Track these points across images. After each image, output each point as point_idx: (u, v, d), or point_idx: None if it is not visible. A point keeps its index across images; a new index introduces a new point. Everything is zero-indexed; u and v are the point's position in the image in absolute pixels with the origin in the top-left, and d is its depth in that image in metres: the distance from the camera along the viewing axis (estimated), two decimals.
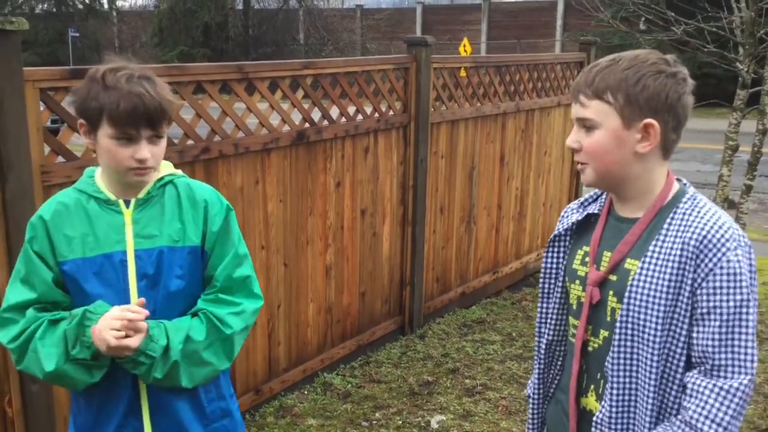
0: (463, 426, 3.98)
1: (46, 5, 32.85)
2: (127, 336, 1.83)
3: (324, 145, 4.21)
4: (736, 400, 1.57)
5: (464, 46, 18.10)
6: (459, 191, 5.44)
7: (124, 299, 1.93)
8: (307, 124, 4.10)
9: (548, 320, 1.93)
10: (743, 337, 1.57)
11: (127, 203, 1.97)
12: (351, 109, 4.44)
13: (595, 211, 1.83)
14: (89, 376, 1.91)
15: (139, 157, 1.87)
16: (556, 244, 1.90)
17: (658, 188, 1.71)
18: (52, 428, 3.00)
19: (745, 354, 1.57)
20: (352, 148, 4.43)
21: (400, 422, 4.00)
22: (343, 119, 4.35)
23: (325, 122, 4.21)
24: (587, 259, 1.79)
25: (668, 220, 1.67)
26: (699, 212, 1.65)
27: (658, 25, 5.95)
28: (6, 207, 2.74)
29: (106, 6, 33.77)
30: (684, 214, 1.66)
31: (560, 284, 1.89)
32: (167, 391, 1.98)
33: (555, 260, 1.91)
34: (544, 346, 1.94)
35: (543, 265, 1.94)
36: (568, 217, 1.91)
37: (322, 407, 4.14)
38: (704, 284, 1.59)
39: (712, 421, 1.56)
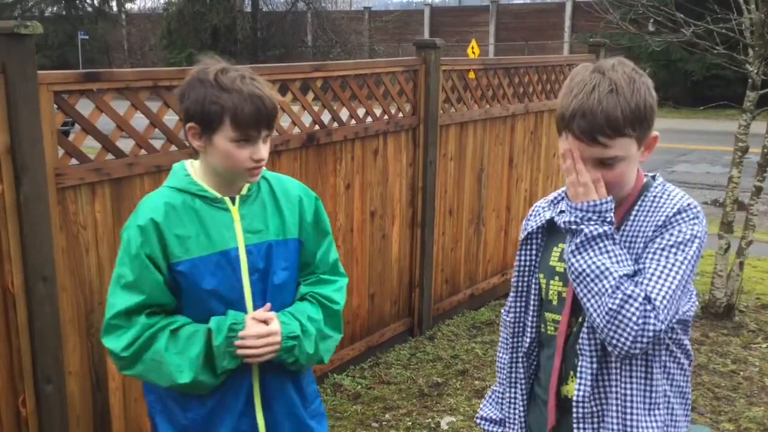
0: (472, 427, 3.99)
1: (55, 8, 33.06)
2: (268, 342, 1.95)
3: (334, 147, 4.23)
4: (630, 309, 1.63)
5: (472, 47, 18.10)
6: (468, 193, 5.45)
7: (239, 294, 1.99)
8: (317, 127, 4.12)
9: (528, 319, 1.93)
10: (674, 275, 1.64)
11: (231, 200, 2.01)
12: (360, 112, 4.46)
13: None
14: (217, 381, 1.97)
15: (257, 157, 1.92)
16: (530, 241, 1.92)
17: (632, 184, 1.78)
18: (65, 428, 3.02)
19: (667, 293, 1.63)
20: (362, 150, 4.45)
21: (410, 423, 4.01)
22: (353, 121, 4.37)
23: (335, 124, 4.23)
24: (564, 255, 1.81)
25: (636, 206, 1.75)
26: (669, 195, 1.74)
27: (667, 27, 5.94)
28: (21, 209, 2.76)
29: (115, 9, 33.95)
30: (654, 197, 1.75)
31: (535, 281, 1.91)
32: (278, 378, 2.06)
33: (529, 257, 1.93)
34: (526, 347, 1.94)
35: (517, 263, 1.95)
36: (539, 214, 1.92)
37: (332, 408, 4.16)
38: (663, 230, 1.68)
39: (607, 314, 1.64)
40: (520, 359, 1.96)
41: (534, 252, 1.91)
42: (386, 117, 4.63)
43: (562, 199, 1.88)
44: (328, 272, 2.16)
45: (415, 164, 4.91)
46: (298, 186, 2.16)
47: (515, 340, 1.97)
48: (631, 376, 1.74)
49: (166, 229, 1.93)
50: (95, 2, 33.11)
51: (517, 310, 1.97)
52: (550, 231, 1.89)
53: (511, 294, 2.00)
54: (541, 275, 1.89)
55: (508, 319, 2.00)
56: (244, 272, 1.99)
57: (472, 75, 5.35)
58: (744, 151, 5.32)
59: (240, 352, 1.93)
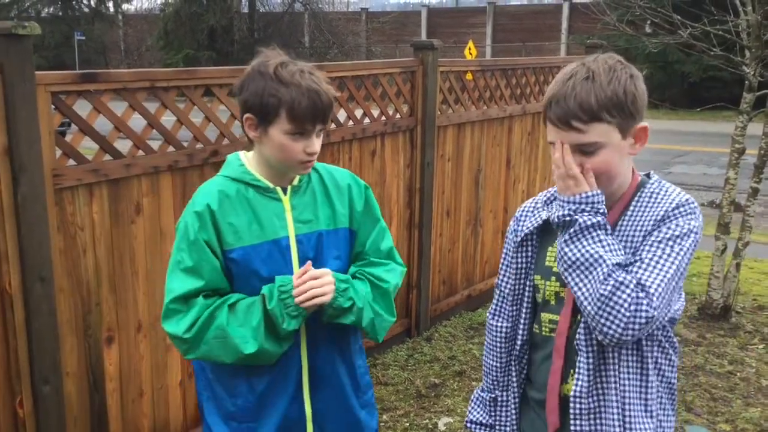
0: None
1: (52, 9, 33.03)
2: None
3: (331, 148, 4.23)
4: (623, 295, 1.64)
5: (469, 49, 18.12)
6: (465, 194, 5.46)
7: None
8: None
9: (521, 322, 1.92)
10: (669, 266, 1.65)
11: (283, 190, 2.03)
12: (358, 113, 4.46)
13: None
14: (281, 348, 1.97)
15: (311, 150, 1.96)
16: (526, 243, 1.90)
17: (627, 182, 1.78)
18: (62, 429, 3.02)
19: (661, 282, 1.63)
20: (360, 151, 4.45)
21: (408, 424, 4.02)
22: (351, 122, 4.38)
23: (333, 125, 4.23)
24: None
25: (634, 201, 1.76)
26: (666, 191, 1.76)
27: (664, 29, 5.95)
28: (18, 209, 2.76)
29: (111, 9, 33.92)
30: (651, 193, 1.76)
31: (529, 283, 1.90)
32: (328, 361, 2.07)
33: (525, 259, 1.91)
34: (518, 350, 1.93)
35: (509, 266, 1.94)
36: (533, 215, 1.91)
37: None
38: (661, 224, 1.69)
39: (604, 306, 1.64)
40: (512, 363, 1.95)
41: (530, 254, 1.90)
42: (384, 118, 4.64)
43: (555, 198, 1.88)
44: (381, 259, 2.16)
45: (412, 165, 4.91)
46: (349, 175, 2.18)
47: (506, 344, 1.96)
48: (628, 372, 1.74)
49: (220, 217, 1.96)
50: (92, 3, 33.11)
51: (511, 313, 1.95)
52: (544, 232, 1.88)
53: (499, 298, 1.98)
54: (537, 276, 1.88)
55: (496, 323, 1.99)
56: (294, 261, 2.01)
57: (469, 76, 5.36)
58: (741, 152, 5.34)
59: (300, 297, 1.91)
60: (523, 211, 1.96)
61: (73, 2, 32.70)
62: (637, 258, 1.67)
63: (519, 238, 1.90)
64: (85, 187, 3.00)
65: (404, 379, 4.53)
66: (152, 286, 3.28)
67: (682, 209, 1.70)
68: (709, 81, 18.41)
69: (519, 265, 1.91)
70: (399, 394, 4.34)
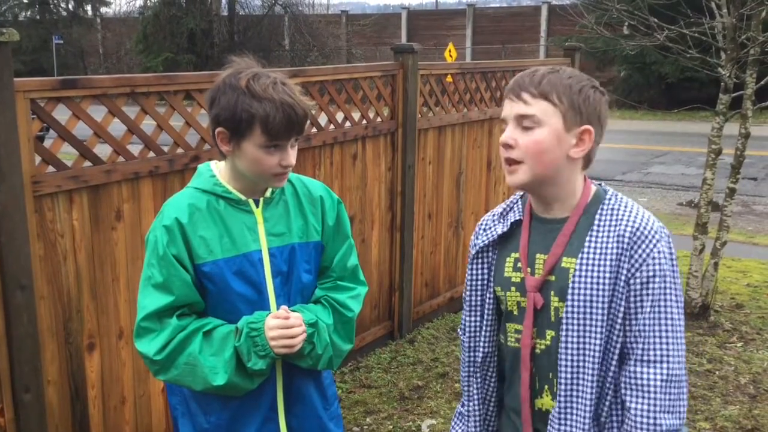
0: None
1: (29, 12, 32.74)
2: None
3: (312, 152, 4.24)
4: (676, 385, 1.71)
5: (449, 51, 18.18)
6: (447, 196, 5.48)
7: (263, 296, 2.00)
8: None
9: (482, 333, 1.93)
10: (672, 325, 1.70)
11: (255, 202, 2.01)
12: (339, 116, 4.47)
13: (517, 218, 1.86)
14: (252, 384, 1.97)
15: (286, 163, 1.94)
16: (481, 256, 1.91)
17: (579, 191, 1.80)
18: None
19: (674, 341, 1.70)
20: (341, 155, 4.46)
21: (391, 427, 4.03)
22: (332, 126, 4.38)
23: (314, 129, 4.24)
24: (519, 265, 1.82)
25: (597, 216, 1.75)
26: (626, 207, 1.75)
27: (640, 31, 6.01)
28: None
29: (90, 13, 33.68)
30: (612, 209, 1.75)
31: (490, 295, 1.90)
32: (303, 381, 2.07)
33: (481, 273, 1.91)
34: (479, 361, 1.93)
35: (468, 279, 1.94)
36: (490, 229, 1.91)
37: None
38: (638, 274, 1.69)
39: (667, 411, 1.71)
40: (473, 374, 1.96)
41: (485, 267, 1.91)
42: (365, 122, 4.65)
43: (510, 210, 1.90)
44: (346, 278, 2.16)
45: (394, 168, 4.93)
46: (322, 187, 2.17)
47: (469, 354, 1.97)
48: (600, 393, 1.76)
49: (190, 230, 1.93)
50: (70, 6, 32.86)
51: (471, 325, 1.96)
52: (501, 244, 1.89)
53: (464, 311, 1.99)
54: (498, 288, 1.88)
55: (462, 336, 2.00)
56: (267, 275, 2.00)
57: (449, 79, 5.39)
58: (717, 153, 5.40)
59: (278, 351, 1.92)
60: (481, 224, 1.97)
61: (51, 6, 32.44)
62: (641, 338, 1.70)
63: (474, 252, 1.92)
64: (65, 193, 2.98)
65: (387, 382, 4.54)
66: (133, 292, 3.26)
67: (652, 239, 1.70)
68: (687, 82, 18.59)
69: (475, 278, 1.93)
70: (382, 397, 4.35)
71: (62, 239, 3.00)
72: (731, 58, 5.27)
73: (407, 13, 30.74)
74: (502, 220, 1.90)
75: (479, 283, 1.92)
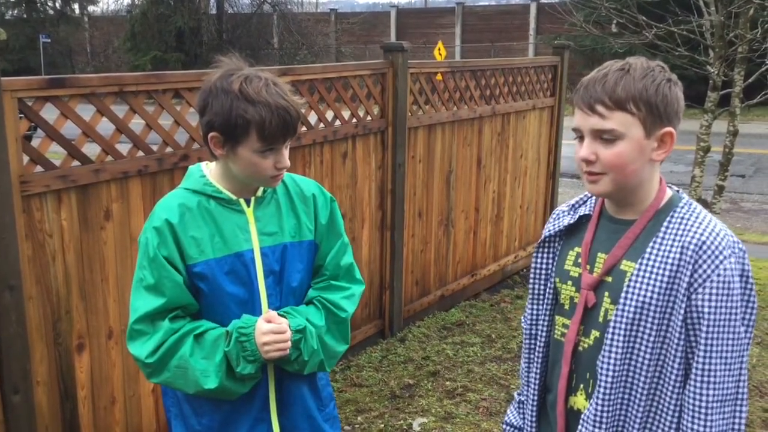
0: (444, 428, 4.01)
1: (16, 11, 32.50)
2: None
3: (303, 151, 4.23)
4: (730, 408, 1.63)
5: (439, 49, 18.19)
6: (437, 195, 5.48)
7: (254, 296, 1.99)
8: None
9: (542, 321, 1.92)
10: (731, 347, 1.61)
11: (246, 202, 2.00)
12: (329, 115, 4.46)
13: (587, 212, 1.84)
14: (244, 387, 1.96)
15: (281, 165, 1.93)
16: (547, 246, 1.91)
17: (654, 193, 1.73)
18: None
19: (731, 362, 1.62)
20: (331, 153, 4.45)
21: (382, 425, 4.02)
22: (322, 125, 4.38)
23: (304, 128, 4.23)
24: (579, 260, 1.80)
25: (665, 223, 1.68)
26: (697, 218, 1.67)
27: (629, 29, 6.03)
28: None
29: (77, 11, 33.47)
30: (682, 218, 1.68)
31: (551, 285, 1.90)
32: (295, 382, 2.06)
33: (545, 262, 1.92)
34: (542, 347, 1.91)
35: (533, 266, 1.94)
36: (559, 219, 1.91)
37: None
38: (700, 290, 1.61)
39: None
40: (535, 362, 1.95)
41: (550, 257, 1.91)
42: (355, 120, 4.64)
43: (583, 203, 1.88)
44: (340, 277, 2.14)
45: (384, 167, 4.92)
46: (315, 185, 2.16)
47: (531, 342, 1.96)
48: (650, 409, 1.70)
49: (181, 231, 1.92)
50: (57, 5, 32.63)
51: (534, 313, 1.95)
52: (568, 236, 1.88)
53: (528, 298, 1.98)
54: (557, 279, 1.88)
55: (524, 324, 1.99)
56: (259, 274, 1.99)
57: (439, 77, 5.38)
58: (706, 150, 5.43)
59: (271, 355, 1.92)
60: (554, 214, 1.96)
61: (38, 4, 32.20)
62: (699, 357, 1.62)
63: (541, 239, 1.92)
64: (54, 193, 2.96)
65: (378, 381, 4.53)
66: (123, 292, 3.25)
67: (719, 255, 1.61)
68: None
69: (539, 266, 1.92)
70: (373, 396, 4.35)
71: (51, 239, 2.98)
72: (719, 55, 5.30)
73: (396, 12, 30.70)
74: (572, 212, 1.89)
75: (543, 271, 1.92)
